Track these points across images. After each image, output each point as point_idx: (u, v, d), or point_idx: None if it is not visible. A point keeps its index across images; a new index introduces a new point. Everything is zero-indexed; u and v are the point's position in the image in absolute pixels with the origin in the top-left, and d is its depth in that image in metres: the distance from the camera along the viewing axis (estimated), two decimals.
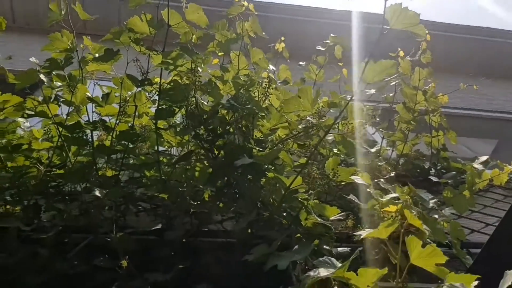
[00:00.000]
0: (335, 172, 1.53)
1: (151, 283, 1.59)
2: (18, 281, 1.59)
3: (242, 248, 1.81)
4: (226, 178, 1.96)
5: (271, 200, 1.81)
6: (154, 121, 2.00)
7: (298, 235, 1.53)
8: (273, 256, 1.40)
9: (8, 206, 1.84)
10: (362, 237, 1.26)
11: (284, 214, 1.65)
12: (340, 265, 1.17)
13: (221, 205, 2.00)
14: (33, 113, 1.85)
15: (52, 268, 1.66)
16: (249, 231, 1.92)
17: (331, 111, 1.93)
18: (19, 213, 1.88)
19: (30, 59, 1.82)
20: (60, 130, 1.85)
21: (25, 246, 1.67)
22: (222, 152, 1.95)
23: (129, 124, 2.11)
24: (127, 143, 2.01)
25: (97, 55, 2.05)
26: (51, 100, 1.86)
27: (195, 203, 2.05)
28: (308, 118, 1.60)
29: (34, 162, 1.82)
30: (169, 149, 2.33)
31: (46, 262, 1.65)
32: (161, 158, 2.11)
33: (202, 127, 1.87)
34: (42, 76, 1.77)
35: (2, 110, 1.82)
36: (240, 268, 1.82)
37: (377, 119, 2.04)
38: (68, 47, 1.99)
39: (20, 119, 2.25)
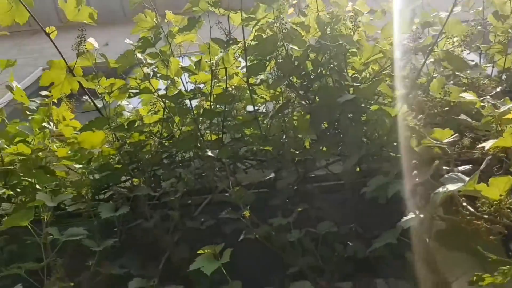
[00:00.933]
0: (446, 91, 1.48)
1: (276, 227, 1.68)
2: (158, 241, 1.76)
3: (352, 187, 1.85)
4: (326, 121, 1.98)
5: (376, 134, 1.80)
6: (245, 79, 2.05)
7: (413, 161, 1.52)
8: (393, 184, 1.41)
9: (134, 180, 2.02)
10: (486, 148, 1.22)
11: (394, 144, 1.64)
12: (467, 178, 1.15)
13: (324, 149, 2.03)
14: (137, 91, 1.98)
15: (183, 227, 1.81)
16: (358, 169, 1.94)
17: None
18: (142, 185, 2.06)
19: (126, 41, 1.94)
20: (165, 102, 1.97)
21: (156, 211, 1.84)
22: (317, 97, 1.97)
23: (222, 88, 2.19)
24: (224, 105, 2.10)
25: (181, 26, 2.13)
26: (150, 76, 1.98)
27: (298, 152, 2.10)
28: (404, 42, 1.55)
29: (148, 136, 1.97)
30: (264, 105, 2.38)
31: (178, 222, 1.80)
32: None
33: (294, 75, 1.89)
34: (139, 55, 1.89)
35: (110, 94, 1.97)
36: (355, 206, 1.86)
37: (476, 32, 1.91)
38: (154, 24, 2.09)
39: (123, 103, 2.44)
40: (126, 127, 1.87)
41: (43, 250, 1.56)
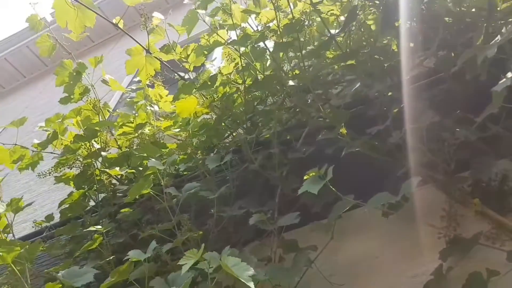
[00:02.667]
0: None
1: (375, 134, 1.64)
2: (269, 179, 1.84)
3: (449, 75, 1.71)
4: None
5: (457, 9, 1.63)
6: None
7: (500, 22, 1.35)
8: (488, 50, 1.28)
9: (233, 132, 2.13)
10: None
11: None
12: None
13: (412, 45, 1.90)
14: (209, 47, 2.04)
15: (288, 161, 1.86)
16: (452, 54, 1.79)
17: None
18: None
19: (185, 1, 2.00)
20: (239, 49, 2.00)
21: (259, 153, 1.91)
22: None
23: (289, 18, 2.14)
24: (296, 34, 2.06)
25: None
26: (218, 29, 2.02)
27: (385, 57, 2.00)
28: None
29: (231, 86, 2.04)
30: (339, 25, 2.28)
31: (281, 157, 1.86)
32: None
33: None
34: (200, 11, 1.94)
35: (187, 59, 2.06)
36: (457, 95, 1.73)
37: None
38: None
39: (208, 67, 2.53)
40: (209, 83, 1.95)
41: (169, 210, 1.73)
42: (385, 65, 1.99)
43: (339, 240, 1.66)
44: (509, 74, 1.17)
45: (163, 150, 2.19)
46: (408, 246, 1.54)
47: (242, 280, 1.12)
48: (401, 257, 1.53)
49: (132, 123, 2.23)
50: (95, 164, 2.14)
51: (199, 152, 2.13)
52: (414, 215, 1.58)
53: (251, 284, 1.11)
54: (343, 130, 1.71)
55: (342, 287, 1.54)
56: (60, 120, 2.15)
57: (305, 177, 1.60)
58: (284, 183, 1.81)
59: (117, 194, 2.19)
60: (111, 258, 1.74)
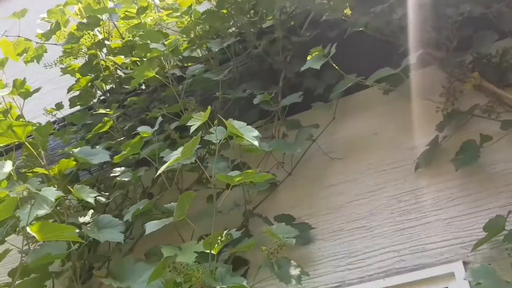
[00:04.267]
0: None
1: (379, 14, 1.63)
2: (272, 63, 1.87)
3: None
4: None
5: None
6: None
7: None
8: None
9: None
10: None
11: None
12: None
13: None
14: None
15: (291, 45, 1.86)
16: None
17: None
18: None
19: None
20: None
21: (263, 39, 1.91)
22: None
23: None
24: None
25: None
26: None
27: None
28: None
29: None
30: None
31: (283, 41, 1.86)
32: None
33: None
34: None
35: None
36: None
37: None
38: None
39: None
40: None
41: (176, 94, 1.78)
42: None
43: (340, 121, 1.72)
44: None
45: (166, 39, 2.18)
46: (407, 122, 1.60)
47: (248, 140, 1.18)
48: (400, 133, 1.60)
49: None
50: (100, 54, 2.16)
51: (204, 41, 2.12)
52: (414, 94, 1.62)
53: (256, 143, 1.18)
54: (347, 11, 1.69)
55: (341, 161, 1.63)
56: (61, 7, 2.12)
57: (308, 57, 1.61)
58: (288, 67, 1.83)
59: (124, 86, 2.22)
60: (122, 139, 1.82)
